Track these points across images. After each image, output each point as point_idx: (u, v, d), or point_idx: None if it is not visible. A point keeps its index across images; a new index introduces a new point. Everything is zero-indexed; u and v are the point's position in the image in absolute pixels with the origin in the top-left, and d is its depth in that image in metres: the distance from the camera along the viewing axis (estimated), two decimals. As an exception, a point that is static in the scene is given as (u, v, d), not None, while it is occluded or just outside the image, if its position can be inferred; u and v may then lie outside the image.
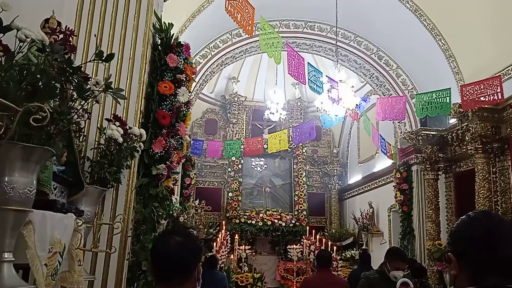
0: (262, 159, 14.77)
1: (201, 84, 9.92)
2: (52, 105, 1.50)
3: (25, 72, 1.39)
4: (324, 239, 12.54)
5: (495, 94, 5.62)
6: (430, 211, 8.60)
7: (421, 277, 5.72)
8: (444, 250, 7.60)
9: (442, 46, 8.24)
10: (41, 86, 1.41)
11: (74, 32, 1.76)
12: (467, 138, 7.28)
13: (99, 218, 2.66)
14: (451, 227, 1.41)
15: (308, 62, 6.20)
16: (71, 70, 1.52)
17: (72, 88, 1.61)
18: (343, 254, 12.64)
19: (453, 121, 8.27)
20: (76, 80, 1.57)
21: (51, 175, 1.87)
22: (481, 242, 1.23)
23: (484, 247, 1.22)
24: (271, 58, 5.39)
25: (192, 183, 9.70)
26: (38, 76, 1.40)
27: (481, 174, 6.90)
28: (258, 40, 5.72)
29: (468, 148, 7.30)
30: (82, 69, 1.61)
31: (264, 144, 10.26)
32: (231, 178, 14.26)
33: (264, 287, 10.67)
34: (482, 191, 6.81)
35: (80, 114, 1.78)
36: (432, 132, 8.66)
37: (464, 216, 1.36)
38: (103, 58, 1.66)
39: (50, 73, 1.43)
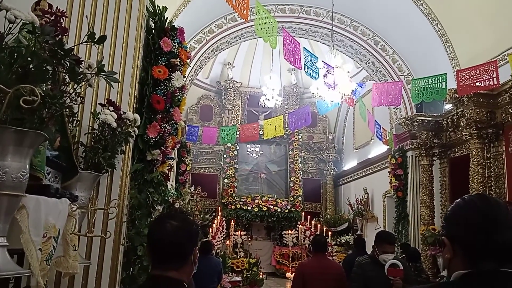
0: (258, 145, 14.79)
1: (196, 70, 9.85)
2: (44, 89, 1.48)
3: (15, 54, 1.36)
4: (319, 225, 12.65)
5: (490, 79, 5.61)
6: (424, 196, 8.67)
7: (416, 261, 5.79)
8: (438, 235, 7.68)
9: (439, 31, 8.19)
10: (32, 69, 1.38)
11: (65, 13, 1.72)
12: (462, 124, 7.29)
13: (94, 204, 2.64)
14: (446, 211, 1.37)
15: (304, 47, 6.15)
16: (62, 53, 1.49)
17: (64, 71, 1.58)
18: (338, 239, 12.77)
19: (448, 106, 8.27)
20: (68, 63, 1.54)
21: (44, 160, 1.85)
22: (476, 227, 1.21)
23: (479, 232, 1.20)
24: (266, 42, 5.34)
25: (188, 169, 9.69)
26: (29, 58, 1.37)
27: (475, 159, 6.94)
28: (253, 25, 5.65)
29: (463, 133, 7.32)
30: (74, 52, 1.58)
31: (260, 130, 10.24)
32: (227, 165, 14.28)
33: (259, 272, 10.75)
34: (477, 176, 6.86)
35: (73, 98, 1.74)
36: (427, 118, 8.68)
37: (459, 200, 1.32)
38: (95, 40, 1.63)
39: (41, 55, 1.40)
